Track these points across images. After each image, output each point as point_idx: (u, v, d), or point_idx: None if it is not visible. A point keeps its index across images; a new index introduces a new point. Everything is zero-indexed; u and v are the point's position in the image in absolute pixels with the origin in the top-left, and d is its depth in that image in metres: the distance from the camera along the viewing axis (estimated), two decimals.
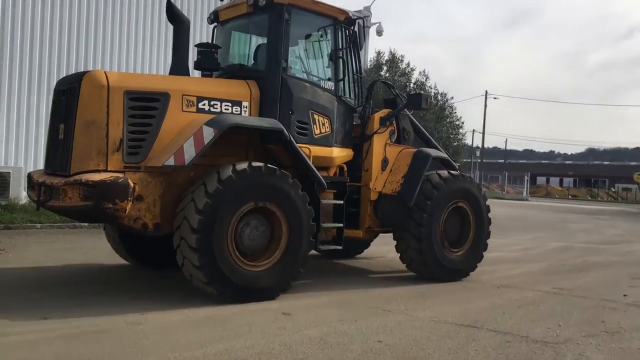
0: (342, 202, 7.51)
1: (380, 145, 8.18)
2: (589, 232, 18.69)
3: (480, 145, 59.24)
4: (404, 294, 7.17)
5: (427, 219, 7.84)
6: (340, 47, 7.65)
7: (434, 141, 9.15)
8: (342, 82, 7.71)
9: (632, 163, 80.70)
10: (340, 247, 7.52)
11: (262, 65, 7.23)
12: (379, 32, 18.92)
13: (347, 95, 7.92)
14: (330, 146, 7.54)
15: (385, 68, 20.66)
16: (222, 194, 6.03)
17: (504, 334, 5.51)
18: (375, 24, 19.11)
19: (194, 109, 6.54)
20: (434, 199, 7.91)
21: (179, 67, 7.01)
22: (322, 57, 7.70)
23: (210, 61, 7.24)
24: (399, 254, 8.19)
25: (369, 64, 20.81)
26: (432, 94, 20.11)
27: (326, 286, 7.41)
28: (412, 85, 20.56)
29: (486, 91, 57.43)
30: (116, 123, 6.05)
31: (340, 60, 7.64)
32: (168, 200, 6.36)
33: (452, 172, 8.36)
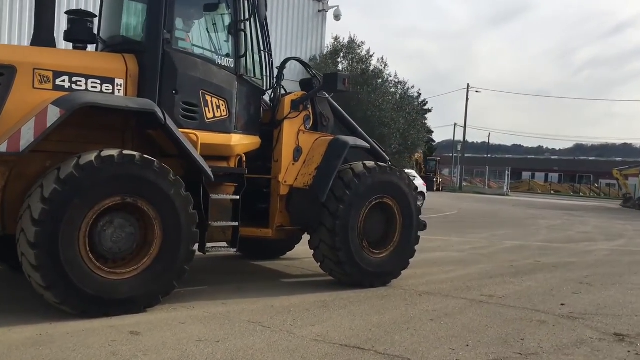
0: (237, 197, 6.54)
1: (291, 132, 7.21)
2: (555, 229, 17.87)
3: (466, 140, 58.57)
4: (303, 304, 6.22)
5: (344, 211, 6.88)
6: (242, 18, 6.65)
7: (360, 130, 8.17)
8: (244, 59, 6.72)
9: (618, 159, 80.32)
10: (234, 250, 6.56)
11: (140, 37, 6.22)
12: (337, 17, 17.91)
13: (253, 75, 6.95)
14: (228, 132, 6.56)
15: (342, 54, 19.63)
16: (77, 182, 5.04)
17: (391, 357, 4.59)
18: (333, 7, 18.09)
19: (49, 85, 5.52)
20: (353, 189, 6.96)
21: (41, 38, 6.00)
22: (220, 31, 6.68)
23: (83, 31, 6.25)
24: (312, 252, 7.25)
25: (325, 50, 19.80)
26: (392, 82, 19.19)
27: (213, 295, 6.42)
28: (370, 72, 19.52)
29: (468, 84, 56.81)
30: None
31: (242, 33, 6.64)
32: (16, 194, 5.37)
33: (380, 163, 7.40)
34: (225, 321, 5.37)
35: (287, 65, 7.70)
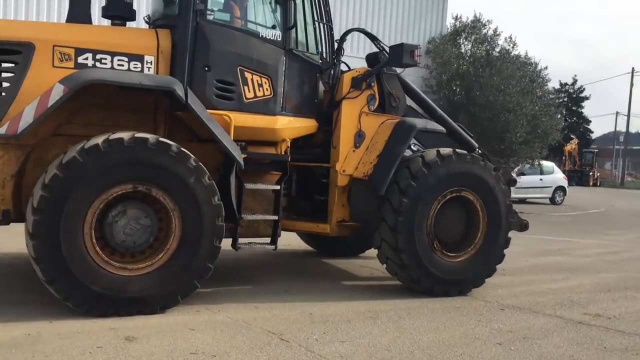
0: (277, 187, 5.77)
1: (351, 114, 6.28)
2: None
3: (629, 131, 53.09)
4: (347, 313, 5.30)
5: (409, 206, 5.84)
6: None
7: (441, 112, 7.02)
8: (294, 31, 5.93)
9: None
10: (272, 247, 5.79)
11: (174, 9, 5.65)
12: None
13: (306, 49, 6.14)
14: (273, 114, 5.81)
15: (464, 35, 17.94)
16: (81, 167, 4.59)
17: None
18: None
19: (70, 64, 5.12)
20: (421, 180, 5.89)
21: (76, 15, 5.65)
22: (265, 1, 5.94)
23: (121, 7, 5.80)
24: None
25: (446, 31, 18.24)
26: (518, 64, 16.99)
27: (252, 297, 5.71)
28: (495, 53, 17.60)
29: (632, 68, 51.11)
30: None
31: (291, 2, 5.83)
32: (32, 181, 5.04)
33: (458, 151, 6.25)
34: (242, 330, 4.64)
35: (351, 37, 6.75)
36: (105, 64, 5.25)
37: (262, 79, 5.72)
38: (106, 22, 6.03)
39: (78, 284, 4.63)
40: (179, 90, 5.05)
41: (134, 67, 5.34)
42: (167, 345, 4.18)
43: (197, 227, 4.98)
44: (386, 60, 6.32)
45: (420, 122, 6.36)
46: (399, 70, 6.62)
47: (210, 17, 5.53)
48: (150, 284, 4.87)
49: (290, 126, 5.96)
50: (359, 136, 6.28)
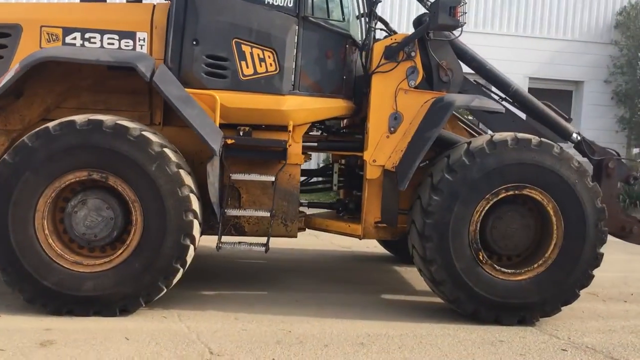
0: (271, 178, 4.88)
1: (385, 91, 5.12)
2: None
3: None
4: (331, 337, 4.26)
5: (441, 205, 4.59)
6: None
7: (517, 86, 5.47)
8: None
9: None
10: (263, 249, 4.88)
11: None
12: None
13: (327, 16, 5.17)
14: (279, 93, 4.95)
15: None
16: (30, 152, 4.27)
17: None
18: None
19: (58, 44, 4.88)
20: (459, 173, 4.58)
21: None
22: None
23: None
24: None
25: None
26: None
27: (249, 306, 4.91)
28: None
29: None
30: None
31: None
32: None
33: (521, 135, 4.76)
34: (182, 345, 3.91)
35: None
36: (95, 43, 4.91)
37: (265, 52, 4.90)
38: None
39: (28, 276, 4.31)
40: (143, 66, 4.47)
41: (125, 45, 4.93)
42: (74, 355, 3.64)
43: (160, 222, 4.37)
44: (426, 24, 5.05)
45: (463, 99, 4.98)
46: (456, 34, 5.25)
47: None
48: (107, 282, 4.37)
49: (304, 107, 5.06)
50: (395, 119, 5.12)
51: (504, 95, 5.54)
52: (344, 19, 5.24)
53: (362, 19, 5.47)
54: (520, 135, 4.72)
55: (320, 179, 6.21)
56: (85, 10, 5.10)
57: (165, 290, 4.49)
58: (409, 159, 4.77)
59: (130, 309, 4.45)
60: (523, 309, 4.75)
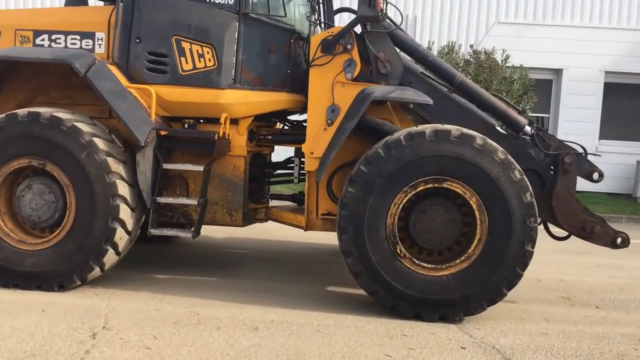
0: (200, 168, 5.09)
1: (321, 84, 5.15)
2: None
3: None
4: (262, 322, 4.42)
5: (355, 197, 4.60)
6: None
7: (463, 77, 5.25)
8: None
9: None
10: (191, 236, 5.10)
11: None
12: None
13: (274, 12, 5.31)
14: (218, 87, 5.16)
15: None
16: None
17: None
18: None
19: (29, 45, 5.43)
20: (375, 165, 4.57)
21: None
22: None
23: None
24: None
25: None
26: None
27: (182, 289, 5.21)
28: None
29: None
30: None
31: None
32: None
33: (441, 127, 4.63)
34: (84, 317, 4.27)
35: None
36: (60, 43, 5.40)
37: (204, 48, 5.13)
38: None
39: None
40: (78, 63, 4.87)
41: (85, 45, 5.38)
42: None
43: (90, 206, 4.77)
44: (357, 17, 5.03)
45: (382, 90, 4.89)
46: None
47: None
48: (45, 260, 4.84)
49: (244, 101, 5.23)
50: (333, 111, 5.15)
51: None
52: (285, 14, 5.34)
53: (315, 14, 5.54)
54: (441, 127, 4.60)
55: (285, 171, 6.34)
56: (52, 14, 5.65)
57: (100, 270, 4.88)
58: (327, 150, 4.82)
59: (66, 285, 4.88)
60: (444, 306, 4.62)
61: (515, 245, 4.50)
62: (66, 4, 5.98)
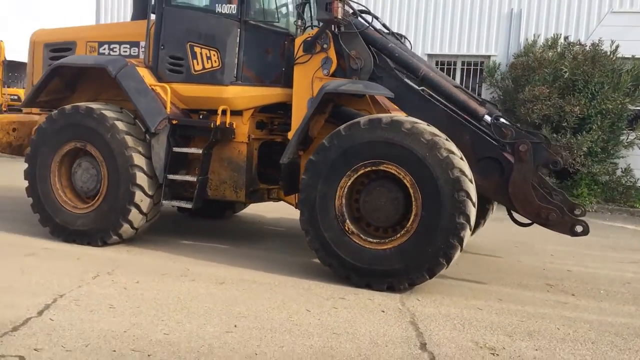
0: (199, 151, 6.08)
1: (303, 80, 5.92)
2: None
3: None
4: (231, 280, 5.38)
5: (308, 182, 5.35)
6: None
7: (427, 70, 5.62)
8: (252, 2, 6.09)
9: None
10: (189, 207, 6.13)
11: None
12: None
13: (271, 18, 6.18)
14: (221, 84, 6.15)
15: None
16: (43, 132, 6.36)
17: None
18: None
19: (95, 54, 6.88)
20: (321, 155, 5.30)
21: (136, 15, 7.25)
22: None
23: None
24: None
25: None
26: None
27: (187, 251, 6.29)
28: None
29: None
30: (38, 73, 7.16)
31: None
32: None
33: (375, 116, 5.28)
34: (99, 265, 5.50)
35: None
36: (116, 52, 6.78)
37: (211, 51, 6.15)
38: None
39: (49, 217, 6.39)
40: (111, 67, 6.14)
41: (133, 52, 6.71)
42: (35, 262, 5.50)
43: (116, 175, 6.05)
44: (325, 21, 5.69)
45: (334, 84, 5.49)
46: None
47: (175, 2, 6.33)
48: (89, 220, 6.22)
49: (243, 95, 6.18)
50: (312, 103, 5.88)
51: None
52: (279, 20, 6.16)
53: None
54: (375, 115, 5.15)
55: None
56: (111, 28, 7.10)
57: (130, 226, 6.10)
58: (292, 139, 5.60)
59: (107, 240, 6.18)
60: (389, 276, 5.15)
61: (446, 218, 4.91)
62: (132, 19, 7.38)
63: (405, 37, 6.68)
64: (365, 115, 5.60)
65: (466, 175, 4.89)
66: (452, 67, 14.36)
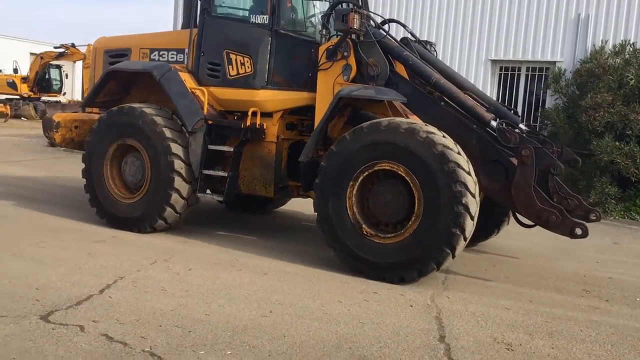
0: (230, 149, 6.59)
1: (326, 85, 6.35)
2: None
3: None
4: (262, 267, 5.86)
5: (321, 187, 5.80)
6: None
7: (438, 77, 5.85)
8: (285, 12, 6.59)
9: None
10: (220, 199, 6.63)
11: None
12: None
13: (299, 28, 6.68)
14: (253, 88, 6.66)
15: None
16: (97, 130, 7.09)
17: None
18: None
19: (147, 59, 7.59)
20: (331, 160, 5.74)
21: (186, 20, 7.90)
22: None
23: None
24: None
25: None
26: None
27: (220, 240, 6.71)
28: None
29: None
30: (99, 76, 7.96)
31: None
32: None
33: (377, 120, 5.65)
34: (149, 252, 6.02)
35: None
36: (164, 58, 7.46)
37: (245, 58, 6.67)
38: None
39: (105, 210, 7.07)
40: (156, 72, 6.77)
41: (179, 59, 7.35)
42: (94, 247, 6.12)
43: (156, 164, 6.65)
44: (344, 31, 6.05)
45: (348, 89, 5.89)
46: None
47: (215, 13, 6.91)
48: (138, 208, 6.85)
49: (272, 99, 6.67)
50: None
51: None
52: (306, 29, 6.59)
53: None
54: (376, 121, 5.56)
55: None
56: (161, 36, 7.74)
57: (173, 211, 6.66)
58: (309, 141, 6.03)
59: (154, 225, 6.75)
60: (401, 269, 5.43)
61: (446, 209, 5.18)
62: (182, 28, 8.05)
63: (432, 45, 6.91)
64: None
65: (462, 168, 5.15)
66: (516, 72, 14.22)
